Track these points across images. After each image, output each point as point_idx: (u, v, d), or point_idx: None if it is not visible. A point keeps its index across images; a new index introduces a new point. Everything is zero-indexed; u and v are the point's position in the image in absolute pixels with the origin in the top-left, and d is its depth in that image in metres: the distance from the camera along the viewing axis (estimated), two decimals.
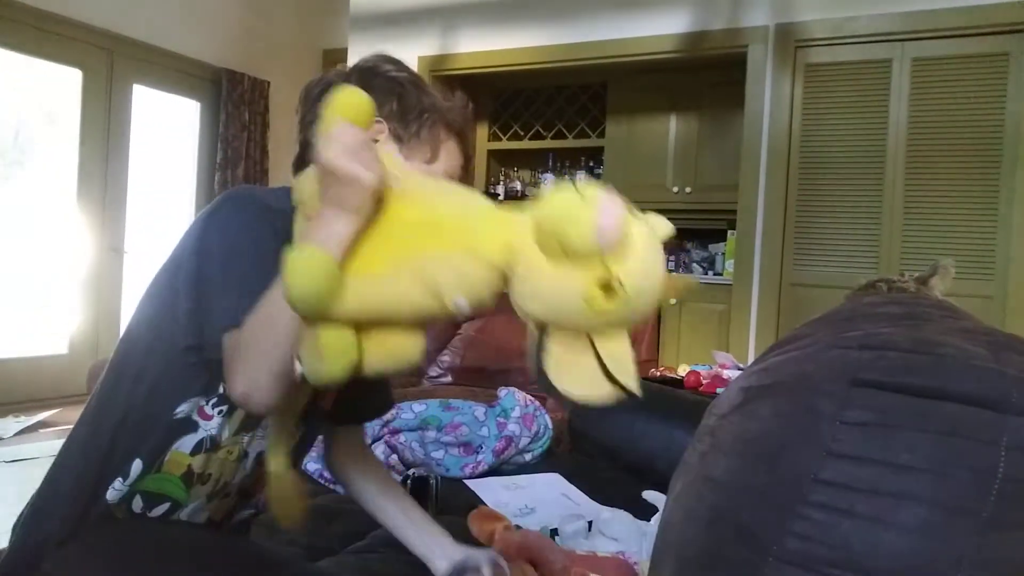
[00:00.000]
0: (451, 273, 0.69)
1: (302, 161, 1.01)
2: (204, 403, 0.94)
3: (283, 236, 0.82)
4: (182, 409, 0.93)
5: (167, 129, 4.91)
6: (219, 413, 0.95)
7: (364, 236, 0.70)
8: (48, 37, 4.13)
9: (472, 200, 0.75)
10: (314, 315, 0.67)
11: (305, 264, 0.66)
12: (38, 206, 4.27)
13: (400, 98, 1.02)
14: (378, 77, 1.02)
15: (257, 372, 0.76)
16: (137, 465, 0.93)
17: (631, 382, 0.68)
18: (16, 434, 3.53)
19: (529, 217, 0.68)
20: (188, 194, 5.05)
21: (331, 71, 1.06)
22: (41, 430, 3.64)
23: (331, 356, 0.67)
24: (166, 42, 4.62)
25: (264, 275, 0.76)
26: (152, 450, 0.94)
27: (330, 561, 1.17)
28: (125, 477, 0.93)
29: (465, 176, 1.12)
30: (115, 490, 0.93)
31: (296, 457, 1.08)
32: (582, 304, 0.64)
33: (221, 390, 0.93)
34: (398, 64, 1.05)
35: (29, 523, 0.97)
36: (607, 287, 0.64)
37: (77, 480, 0.94)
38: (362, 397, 1.15)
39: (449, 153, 1.07)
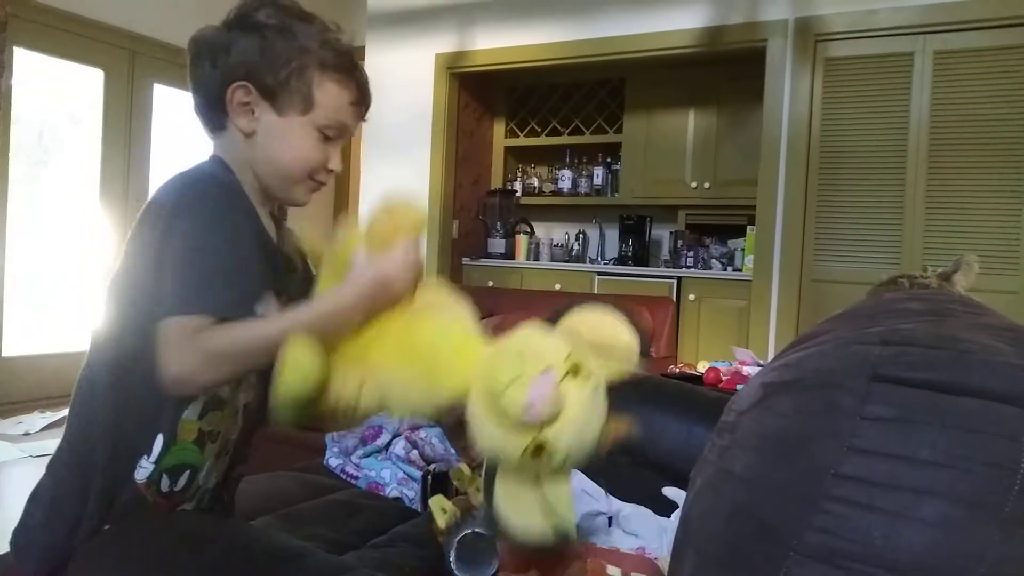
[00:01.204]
0: (402, 397, 0.83)
1: (213, 116, 1.04)
2: None
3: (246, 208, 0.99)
4: None
5: (187, 127, 4.95)
6: None
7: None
8: (70, 38, 4.19)
9: (452, 328, 0.86)
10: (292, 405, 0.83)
11: (295, 367, 0.81)
12: (62, 205, 4.33)
13: (263, 49, 0.99)
14: (246, 29, 1.01)
15: (220, 370, 0.88)
16: (160, 440, 0.96)
17: (569, 524, 0.76)
18: (42, 429, 3.59)
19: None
20: None
21: (211, 26, 1.07)
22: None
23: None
24: (186, 41, 4.66)
25: (233, 264, 0.91)
26: (169, 423, 0.96)
27: (351, 555, 1.18)
28: (149, 453, 0.95)
29: (361, 110, 1.07)
30: (143, 468, 0.96)
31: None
32: (518, 458, 0.72)
33: None
34: (276, 6, 1.02)
35: (51, 515, 0.97)
36: (540, 447, 0.71)
37: (104, 463, 0.95)
38: None
39: (328, 95, 1.02)
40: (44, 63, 4.14)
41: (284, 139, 1.02)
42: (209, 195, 0.95)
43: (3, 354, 4.00)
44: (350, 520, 1.36)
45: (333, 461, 1.73)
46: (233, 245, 0.92)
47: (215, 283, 0.89)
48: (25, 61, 4.02)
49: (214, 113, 1.04)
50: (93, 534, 0.95)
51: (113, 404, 0.96)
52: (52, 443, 3.29)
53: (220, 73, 1.01)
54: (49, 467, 1.01)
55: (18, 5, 3.87)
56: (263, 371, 1.05)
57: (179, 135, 4.89)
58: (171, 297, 0.87)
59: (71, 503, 0.96)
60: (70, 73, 4.28)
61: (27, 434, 3.51)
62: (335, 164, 1.06)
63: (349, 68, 1.04)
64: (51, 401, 4.00)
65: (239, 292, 0.91)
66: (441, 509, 1.14)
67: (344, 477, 1.68)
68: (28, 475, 2.95)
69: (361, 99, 1.07)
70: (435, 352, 0.82)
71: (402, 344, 0.84)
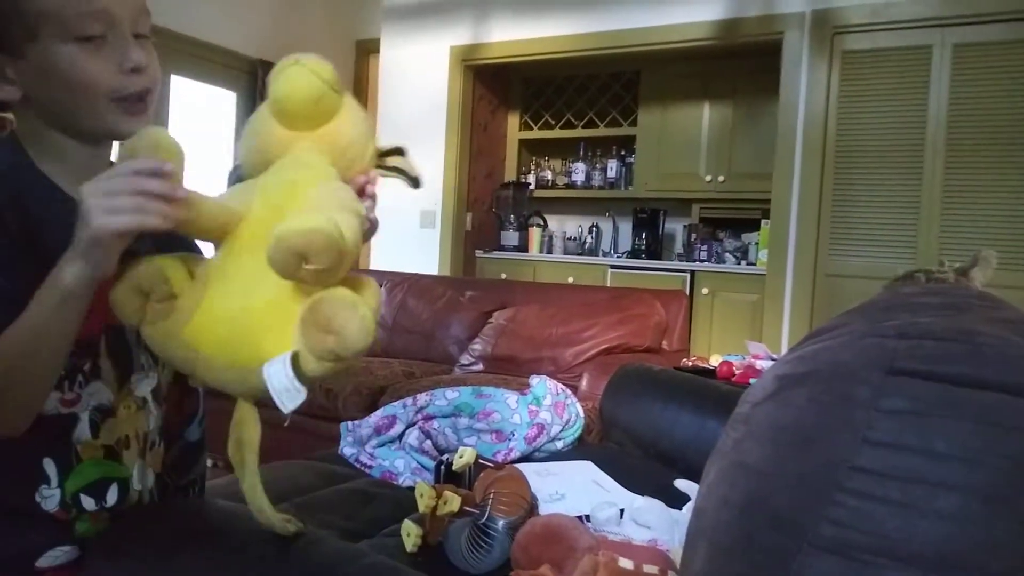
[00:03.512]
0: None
1: None
2: (61, 395, 0.85)
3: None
4: (47, 408, 0.83)
5: (204, 119, 4.99)
6: (80, 386, 0.86)
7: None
8: None
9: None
10: None
11: None
12: None
13: None
14: None
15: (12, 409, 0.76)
16: (50, 464, 0.85)
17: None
18: None
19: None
20: (224, 184, 5.13)
21: None
22: None
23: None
24: (203, 34, 4.69)
25: None
26: (50, 446, 0.85)
27: (365, 543, 1.19)
28: (48, 482, 0.85)
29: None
30: (47, 496, 0.85)
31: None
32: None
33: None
34: None
35: None
36: None
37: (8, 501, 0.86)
38: None
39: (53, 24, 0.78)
40: None
41: (46, 81, 0.81)
42: None
43: None
44: (364, 509, 1.37)
45: (347, 450, 1.75)
46: None
47: None
48: None
49: None
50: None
51: None
52: None
53: None
54: None
55: None
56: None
57: (196, 126, 4.92)
58: None
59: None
60: None
61: None
62: (133, 60, 0.83)
63: None
64: None
65: None
66: (420, 495, 1.16)
67: (358, 466, 1.70)
68: None
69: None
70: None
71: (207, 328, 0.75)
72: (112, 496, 0.90)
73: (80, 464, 0.87)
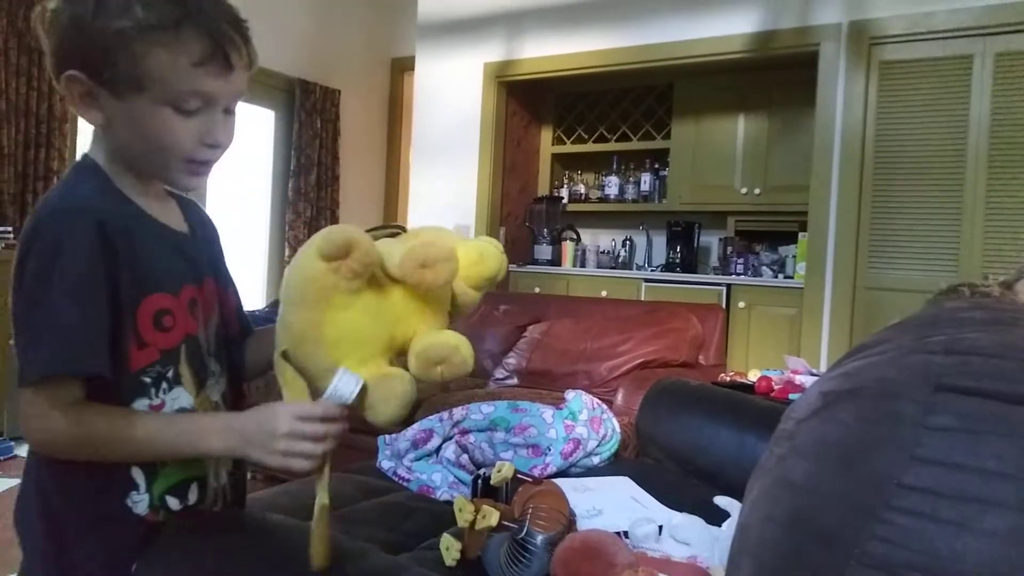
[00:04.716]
0: None
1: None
2: (150, 401, 0.91)
3: (111, 235, 0.85)
4: None
5: (244, 138, 5.09)
6: (164, 392, 0.92)
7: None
8: None
9: None
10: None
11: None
12: None
13: (76, 26, 0.82)
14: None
15: (82, 451, 0.86)
16: (137, 471, 0.91)
17: None
18: None
19: None
20: (263, 201, 5.22)
21: None
22: None
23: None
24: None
25: (86, 313, 0.82)
26: None
27: (405, 556, 1.20)
28: (137, 488, 0.91)
29: (218, 68, 0.86)
30: (137, 502, 0.91)
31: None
32: None
33: (148, 379, 0.90)
34: None
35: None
36: None
37: (92, 508, 0.92)
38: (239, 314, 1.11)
39: (160, 64, 0.82)
40: None
41: (132, 126, 0.87)
42: (55, 235, 0.83)
43: None
44: (404, 522, 1.38)
45: (385, 464, 1.76)
46: (80, 291, 0.82)
47: (71, 343, 0.81)
48: None
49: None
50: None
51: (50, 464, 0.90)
52: None
53: (50, 58, 0.86)
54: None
55: None
56: (226, 362, 1.04)
57: (236, 145, 5.02)
58: (28, 361, 0.81)
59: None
60: None
61: None
62: (215, 138, 0.90)
63: (176, 21, 0.82)
64: None
65: (89, 346, 0.83)
66: (459, 509, 1.16)
67: (396, 479, 1.71)
68: None
69: (211, 56, 0.85)
70: None
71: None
72: (193, 495, 0.96)
73: (165, 468, 0.93)
